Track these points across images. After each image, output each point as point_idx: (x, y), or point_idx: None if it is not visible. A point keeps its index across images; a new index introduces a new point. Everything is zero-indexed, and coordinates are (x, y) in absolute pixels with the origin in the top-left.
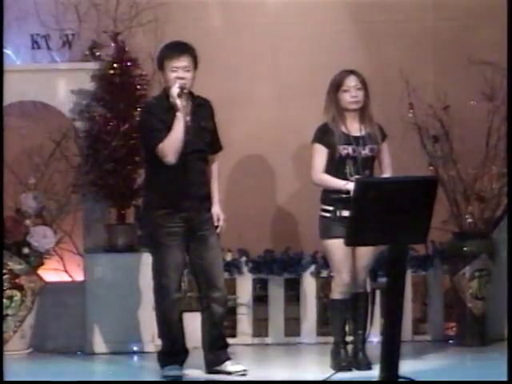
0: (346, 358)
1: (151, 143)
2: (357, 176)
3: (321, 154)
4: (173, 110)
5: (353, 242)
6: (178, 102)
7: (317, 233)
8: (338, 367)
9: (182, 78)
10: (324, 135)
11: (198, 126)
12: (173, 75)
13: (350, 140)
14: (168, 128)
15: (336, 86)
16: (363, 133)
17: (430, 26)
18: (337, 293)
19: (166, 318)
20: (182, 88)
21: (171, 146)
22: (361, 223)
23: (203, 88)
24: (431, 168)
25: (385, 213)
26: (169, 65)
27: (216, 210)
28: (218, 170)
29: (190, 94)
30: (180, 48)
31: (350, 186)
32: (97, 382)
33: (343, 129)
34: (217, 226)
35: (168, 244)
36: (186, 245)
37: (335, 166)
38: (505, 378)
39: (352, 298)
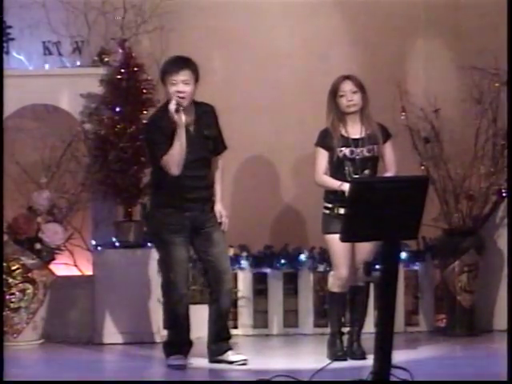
0: (342, 347)
1: (156, 156)
2: (355, 176)
3: (322, 157)
4: (175, 123)
5: (347, 237)
6: (176, 118)
7: (314, 229)
8: (334, 357)
9: (181, 92)
10: (324, 139)
11: (201, 135)
12: (172, 88)
13: (348, 142)
14: (171, 141)
15: (333, 92)
16: (363, 134)
17: (422, 32)
18: (335, 286)
19: (173, 312)
20: (178, 104)
21: (173, 160)
22: (355, 220)
23: (207, 93)
24: (422, 168)
25: (378, 210)
26: (169, 79)
27: (218, 207)
28: (223, 168)
29: (193, 102)
30: (180, 63)
31: (345, 186)
32: (95, 383)
33: (343, 132)
34: (220, 223)
35: (173, 241)
36: (190, 241)
37: (335, 168)
38: (492, 366)
39: (351, 291)
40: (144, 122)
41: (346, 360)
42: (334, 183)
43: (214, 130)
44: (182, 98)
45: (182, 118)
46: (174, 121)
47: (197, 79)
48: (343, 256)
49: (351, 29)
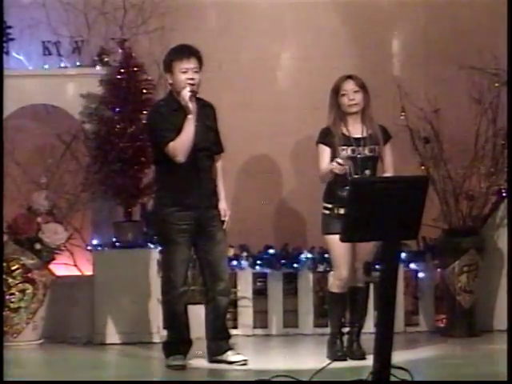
0: (342, 348)
1: (161, 142)
2: (355, 176)
3: (325, 154)
4: (180, 110)
5: (347, 238)
6: (190, 105)
7: (314, 229)
8: (334, 357)
9: (192, 79)
10: (325, 136)
11: (203, 126)
12: (183, 76)
13: (349, 141)
14: (176, 128)
15: (335, 91)
16: (365, 134)
17: (421, 32)
18: (335, 286)
19: (172, 310)
20: (193, 91)
21: (182, 146)
22: (355, 220)
23: (207, 92)
24: (422, 168)
25: (378, 210)
26: (178, 66)
27: (223, 205)
28: (222, 168)
29: None
30: (188, 50)
31: (333, 165)
32: (95, 383)
33: (344, 131)
34: (223, 221)
35: (177, 241)
36: (193, 240)
37: None
38: (492, 366)
39: (351, 292)
40: (146, 111)
41: (345, 360)
42: (329, 166)
43: (214, 124)
44: (193, 85)
45: (194, 106)
46: (186, 108)
47: (201, 68)
48: (343, 256)
49: (351, 29)
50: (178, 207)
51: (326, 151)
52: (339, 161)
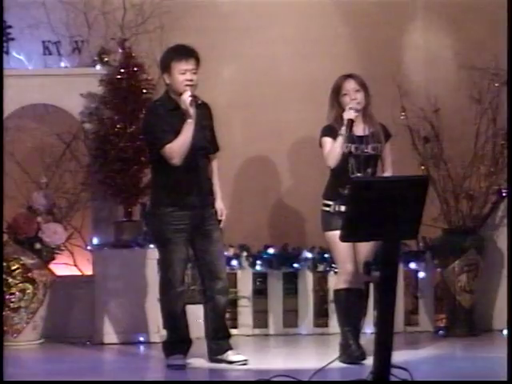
0: (357, 348)
1: (157, 144)
2: (358, 174)
3: (329, 144)
4: (177, 110)
5: (348, 237)
6: (191, 110)
7: (314, 229)
8: (350, 359)
9: (191, 80)
10: (329, 132)
11: (200, 125)
12: (181, 77)
13: (353, 139)
14: (174, 129)
15: (336, 91)
16: (367, 132)
17: (422, 32)
18: (341, 282)
19: (170, 310)
20: (194, 96)
21: (179, 149)
22: (355, 220)
23: (207, 93)
24: (422, 168)
25: (379, 210)
26: (177, 67)
27: (219, 204)
28: (217, 168)
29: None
30: (187, 51)
31: (346, 112)
32: (95, 383)
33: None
34: (220, 221)
35: (174, 240)
36: (190, 240)
37: (339, 164)
38: (492, 366)
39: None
40: (144, 112)
41: (364, 359)
42: (338, 139)
43: (211, 123)
44: (191, 86)
45: (195, 111)
46: (187, 112)
47: (198, 68)
48: (347, 251)
49: (352, 29)
50: (176, 207)
51: (330, 143)
52: (352, 106)
